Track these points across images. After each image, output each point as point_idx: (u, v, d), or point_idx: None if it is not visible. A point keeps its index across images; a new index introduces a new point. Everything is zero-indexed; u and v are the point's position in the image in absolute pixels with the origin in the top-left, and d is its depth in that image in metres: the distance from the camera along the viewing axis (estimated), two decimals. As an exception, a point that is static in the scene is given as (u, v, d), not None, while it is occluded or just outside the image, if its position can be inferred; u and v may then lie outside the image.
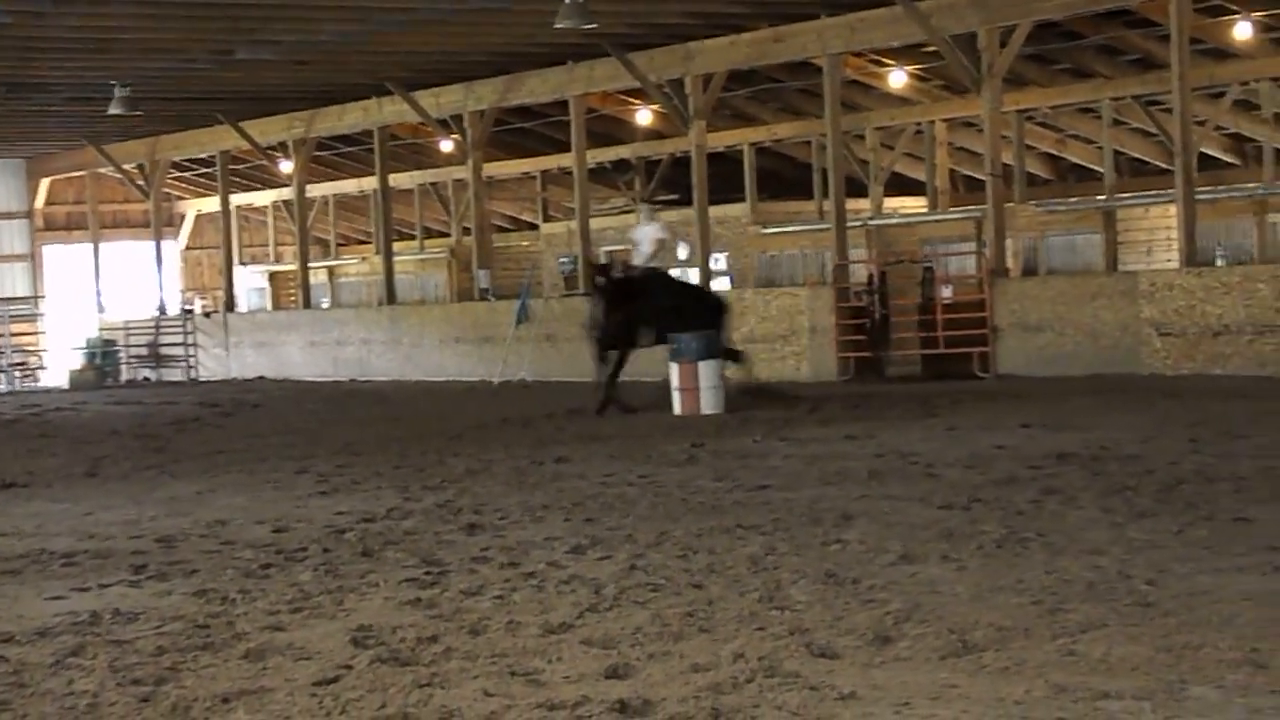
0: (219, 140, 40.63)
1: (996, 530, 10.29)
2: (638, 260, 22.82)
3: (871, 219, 35.04)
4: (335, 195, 46.77)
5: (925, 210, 36.93)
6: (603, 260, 30.78)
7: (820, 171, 35.10)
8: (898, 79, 33.96)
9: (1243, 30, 28.99)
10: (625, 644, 7.43)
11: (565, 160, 36.91)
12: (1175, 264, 25.92)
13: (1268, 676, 6.41)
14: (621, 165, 41.33)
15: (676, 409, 21.19)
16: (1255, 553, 9.11)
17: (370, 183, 40.62)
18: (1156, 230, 32.23)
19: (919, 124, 36.44)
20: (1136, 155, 35.35)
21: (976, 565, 9.14)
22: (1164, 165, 31.86)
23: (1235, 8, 28.62)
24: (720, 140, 36.16)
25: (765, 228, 36.76)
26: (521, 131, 39.96)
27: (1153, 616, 7.60)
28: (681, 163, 34.81)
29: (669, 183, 39.54)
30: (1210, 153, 33.47)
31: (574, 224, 34.27)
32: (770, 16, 28.83)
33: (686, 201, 33.44)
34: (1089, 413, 18.52)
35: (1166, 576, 8.53)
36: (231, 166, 43.09)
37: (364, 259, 45.96)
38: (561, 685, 6.72)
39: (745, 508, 11.82)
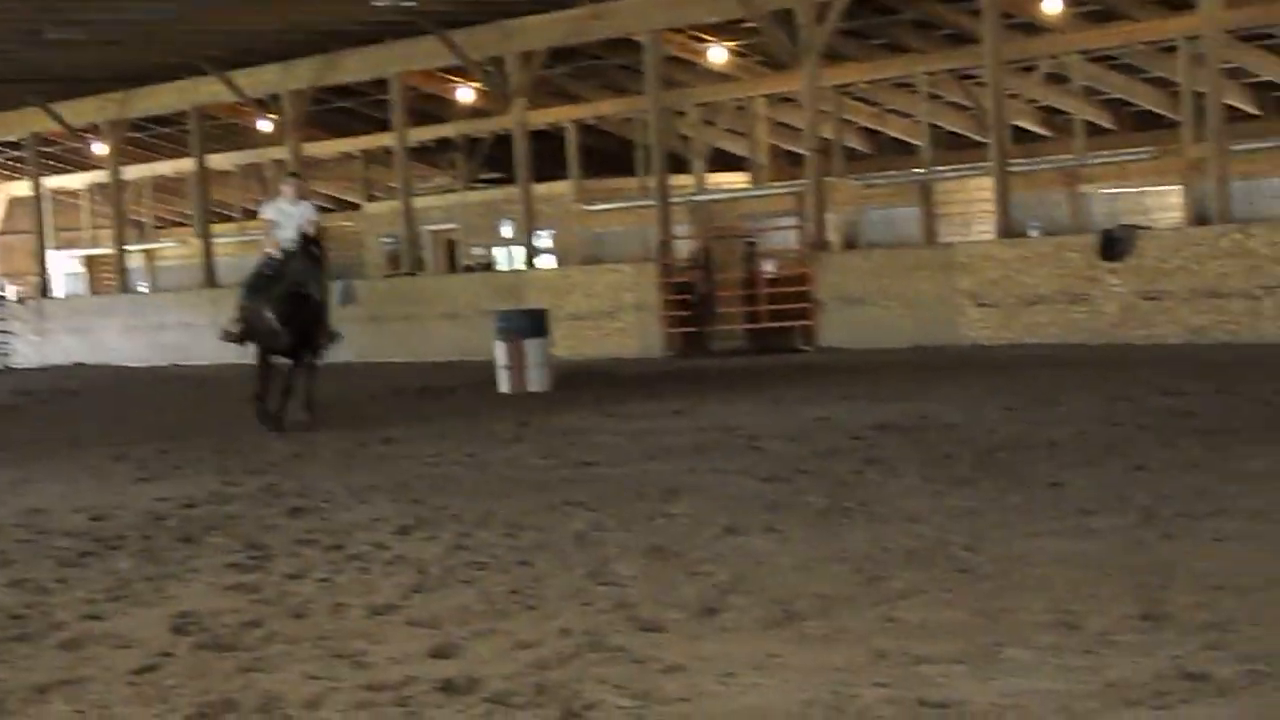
0: (29, 122, 39.74)
1: (820, 501, 10.41)
2: (285, 240, 17.15)
3: (694, 195, 35.24)
4: (152, 177, 45.95)
5: (747, 186, 37.23)
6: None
7: (643, 148, 35.21)
8: (718, 55, 34.17)
9: (1052, 5, 29.56)
10: (451, 623, 7.41)
11: (387, 139, 36.64)
12: (991, 235, 26.39)
13: (1079, 637, 6.56)
14: (444, 144, 41.10)
15: (503, 387, 21.16)
16: (1068, 517, 9.31)
17: (188, 164, 39.99)
18: (973, 203, 32.78)
19: (740, 100, 36.70)
20: (952, 129, 35.89)
21: (800, 536, 9.24)
22: (979, 138, 32.40)
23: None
24: (543, 118, 36.11)
25: (589, 205, 36.80)
26: (342, 111, 39.59)
27: (970, 582, 7.74)
28: (504, 141, 34.71)
29: (492, 161, 39.42)
30: (1023, 125, 34.09)
31: (397, 204, 34.04)
32: (592, -7, 28.84)
33: (510, 179, 33.38)
34: (909, 383, 18.80)
35: (983, 542, 8.68)
36: (44, 149, 42.19)
37: (183, 242, 45.27)
38: (386, 666, 6.68)
39: (572, 484, 11.83)
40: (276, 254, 17.14)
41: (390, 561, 9.12)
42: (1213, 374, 17.42)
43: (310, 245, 16.79)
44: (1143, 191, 32.17)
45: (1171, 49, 30.48)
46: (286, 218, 17.27)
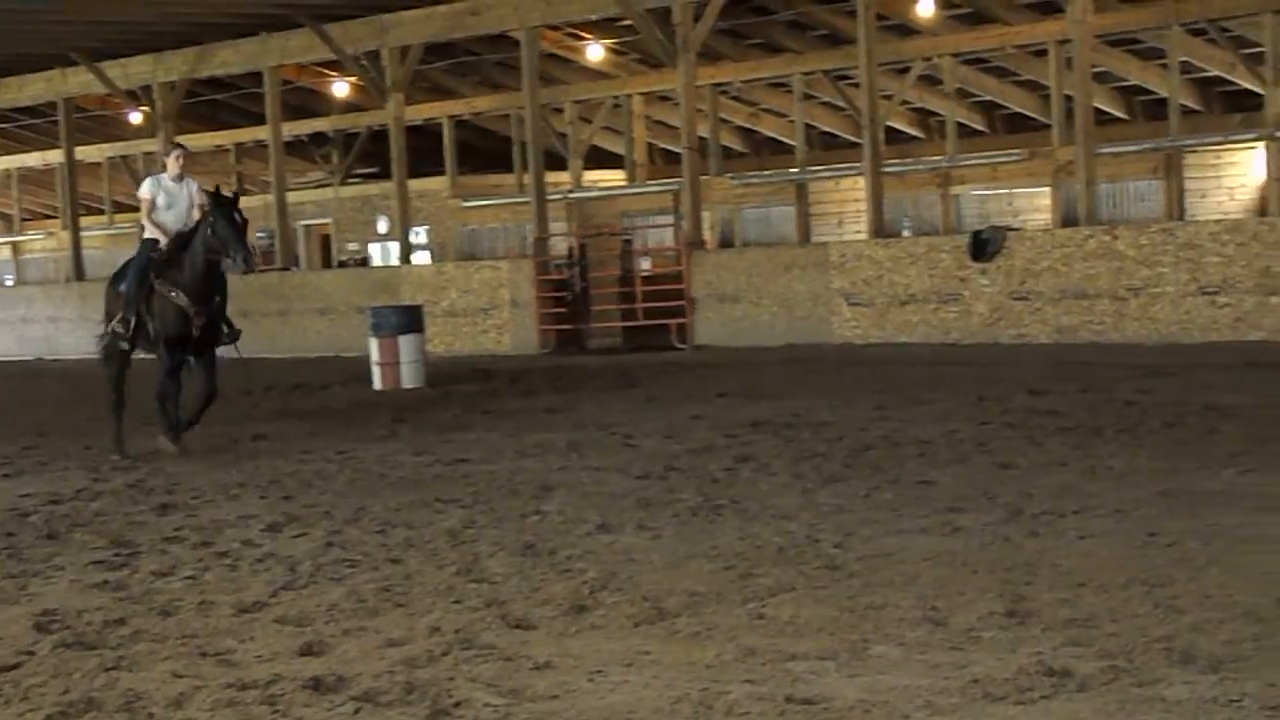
0: (-108, 112, 38.97)
1: (692, 498, 10.45)
2: (168, 224, 14.66)
3: (571, 192, 35.23)
4: (19, 169, 45.20)
5: (624, 183, 37.28)
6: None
7: (520, 145, 35.15)
8: (595, 53, 34.19)
9: (925, 7, 29.86)
10: (320, 621, 7.36)
11: (260, 133, 36.30)
12: (864, 235, 26.61)
13: (946, 633, 6.64)
14: (319, 138, 40.79)
15: (376, 384, 21.04)
16: (936, 514, 9.42)
17: (56, 156, 39.37)
18: (847, 202, 33.08)
19: (617, 97, 36.74)
20: (827, 129, 36.17)
21: (672, 533, 9.27)
22: (853, 139, 32.66)
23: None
24: (419, 113, 35.95)
25: (465, 201, 36.69)
26: (215, 104, 39.15)
27: (839, 578, 7.81)
28: (380, 136, 34.53)
29: (368, 156, 39.18)
30: (897, 126, 34.42)
31: (270, 198, 33.73)
32: (468, -11, 28.76)
33: (385, 175, 33.18)
34: (782, 381, 18.92)
35: (853, 539, 8.76)
36: (-92, 139, 41.39)
37: (50, 234, 44.56)
38: (254, 665, 6.63)
39: (445, 482, 11.80)
40: (160, 239, 14.47)
41: (259, 559, 9.04)
42: (1079, 374, 17.68)
43: (233, 208, 14.10)
44: (1013, 193, 32.60)
45: (1042, 52, 30.92)
46: (171, 198, 14.62)
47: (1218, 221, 24.72)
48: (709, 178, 32.01)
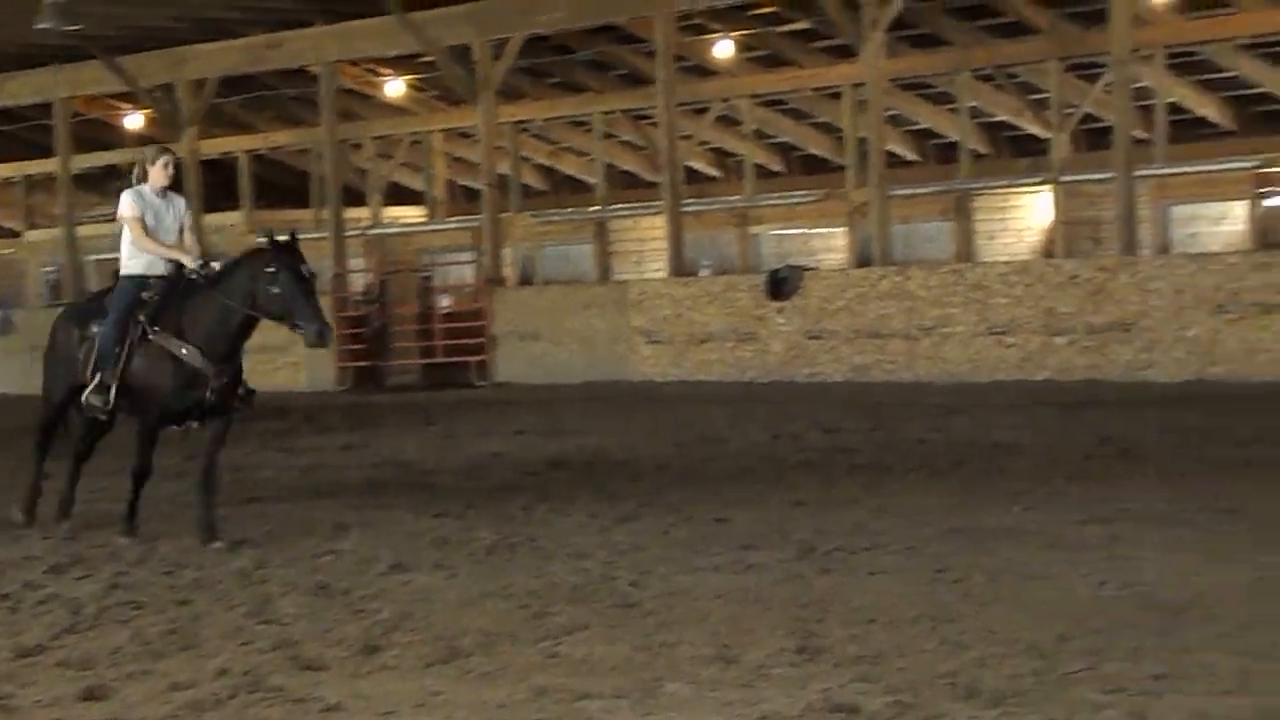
0: None
1: (489, 537, 10.41)
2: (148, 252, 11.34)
3: (370, 228, 34.99)
4: None
5: (423, 220, 37.13)
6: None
7: (318, 180, 34.85)
8: (394, 88, 34.05)
9: (724, 49, 30.24)
10: (103, 665, 7.19)
11: (50, 165, 35.53)
12: (663, 274, 26.79)
13: (737, 670, 6.69)
14: (111, 171, 40.03)
15: (168, 422, 20.60)
16: (731, 552, 9.49)
17: None
18: (646, 241, 33.26)
19: (417, 134, 36.61)
20: (627, 168, 36.39)
21: (467, 572, 9.22)
22: (652, 178, 32.89)
23: (717, 27, 29.81)
24: (215, 147, 35.46)
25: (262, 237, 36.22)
26: (3, 135, 38.25)
27: (634, 617, 7.83)
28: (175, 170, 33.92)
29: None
30: (696, 166, 34.74)
31: (60, 232, 33.02)
32: (265, 23, 28.48)
33: (179, 209, 32.66)
34: (581, 419, 18.95)
35: (649, 577, 8.79)
36: None
37: None
38: (34, 710, 6.46)
39: (236, 521, 11.60)
40: (159, 269, 11.15)
41: (42, 601, 8.81)
42: (872, 412, 17.96)
43: (300, 261, 10.78)
44: (809, 233, 33.08)
45: (837, 95, 31.43)
46: (157, 216, 11.27)
47: (1005, 263, 25.31)
48: (509, 215, 32.02)
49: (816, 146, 34.73)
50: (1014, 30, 29.16)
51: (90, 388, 11.12)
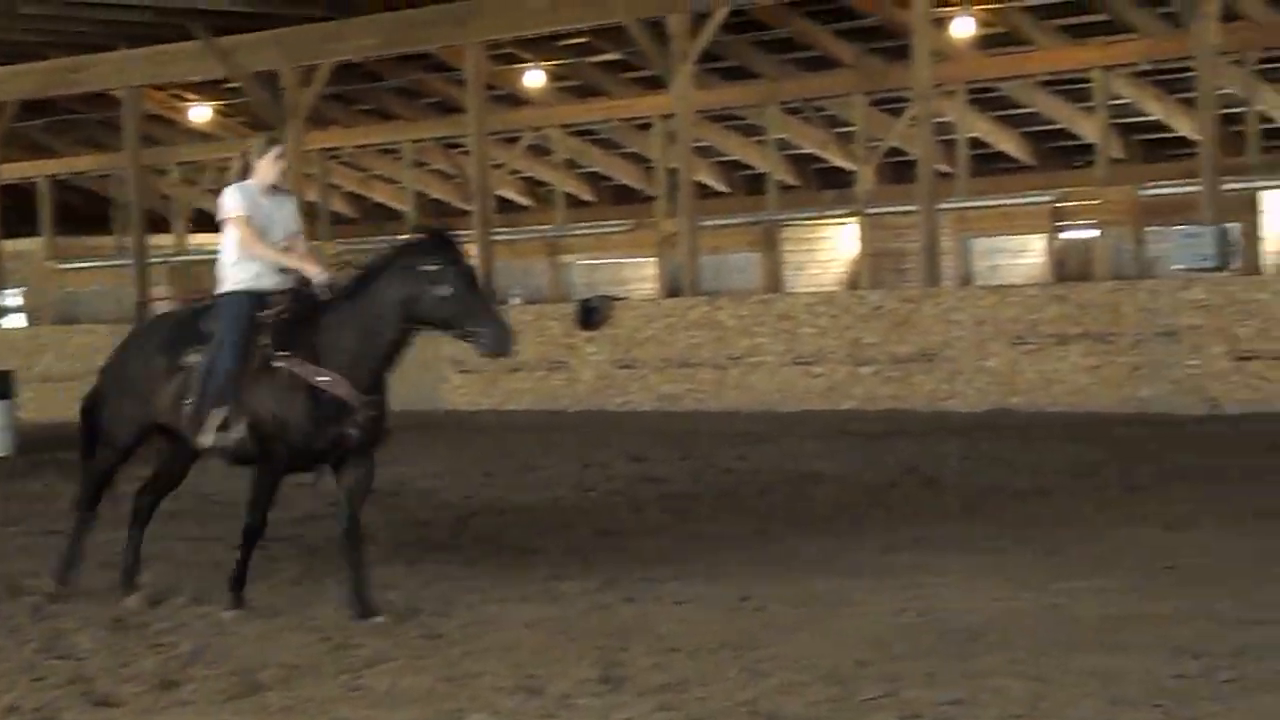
0: None
1: (292, 568, 10.28)
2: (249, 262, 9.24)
3: (175, 255, 34.45)
4: None
5: (230, 247, 36.60)
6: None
7: (121, 206, 34.26)
8: (200, 114, 33.60)
9: (534, 78, 30.30)
10: (-112, 704, 6.98)
11: None
12: (474, 303, 26.68)
13: (541, 701, 6.68)
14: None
15: (-37, 452, 20.07)
16: (537, 582, 9.48)
17: None
18: (457, 270, 33.08)
19: (223, 160, 36.13)
20: (437, 196, 36.28)
21: (269, 604, 9.09)
22: (463, 206, 32.83)
23: (528, 56, 29.87)
24: (14, 172, 34.67)
25: (63, 263, 35.51)
26: None
27: (439, 648, 7.78)
28: (-28, 194, 33.20)
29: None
30: (506, 195, 34.75)
31: None
32: (68, 46, 27.96)
33: (-23, 234, 31.88)
34: (389, 449, 18.73)
35: (454, 608, 8.74)
36: None
37: None
38: None
39: (31, 554, 11.32)
40: (268, 281, 9.03)
41: None
42: (681, 441, 18.06)
43: (464, 256, 8.92)
44: (620, 263, 33.24)
45: (647, 126, 31.65)
46: (266, 219, 9.10)
47: (812, 294, 25.64)
48: (317, 243, 31.72)
49: (626, 177, 34.94)
50: (821, 64, 29.61)
51: (204, 428, 8.97)
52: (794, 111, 30.89)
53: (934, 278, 22.64)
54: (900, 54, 26.19)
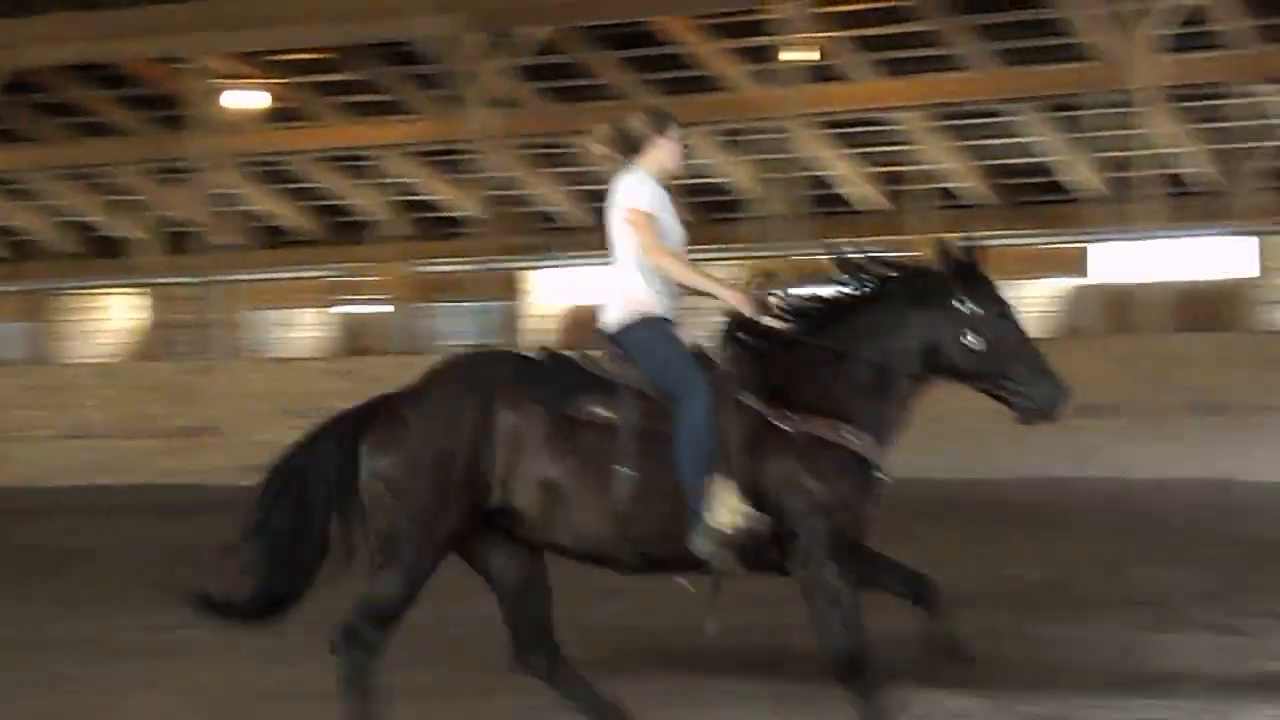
0: None
1: None
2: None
3: None
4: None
5: None
6: None
7: None
8: None
9: None
10: None
11: None
12: None
13: None
14: None
15: None
16: None
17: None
18: None
19: None
20: None
21: None
22: None
23: None
24: None
25: None
26: None
27: None
28: None
29: None
30: None
31: None
32: None
33: None
34: None
35: None
36: None
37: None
38: None
39: None
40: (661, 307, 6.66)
41: None
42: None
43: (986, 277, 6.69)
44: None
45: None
46: (666, 216, 6.67)
47: (91, 365, 24.88)
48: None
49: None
50: (101, 130, 28.92)
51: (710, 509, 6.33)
52: (73, 176, 29.99)
53: (217, 349, 22.47)
54: (181, 123, 25.87)
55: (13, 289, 29.82)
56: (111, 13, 23.54)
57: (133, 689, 8.16)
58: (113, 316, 31.01)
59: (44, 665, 8.82)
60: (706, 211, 28.35)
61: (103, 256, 31.65)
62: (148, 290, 29.66)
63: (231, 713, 7.56)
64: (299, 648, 7.74)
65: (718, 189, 28.18)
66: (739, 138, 27.07)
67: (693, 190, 28.01)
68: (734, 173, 27.73)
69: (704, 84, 25.86)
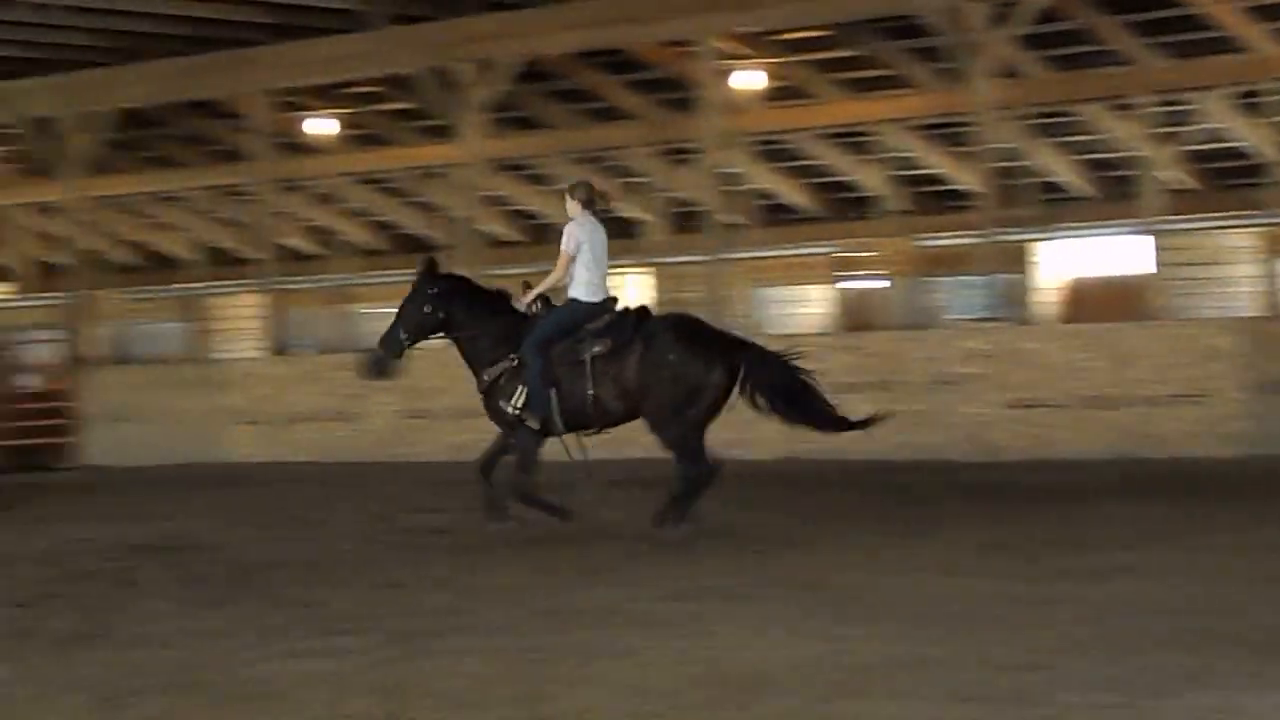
0: None
1: (65, 626, 10.00)
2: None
3: (-49, 302, 33.54)
4: None
5: (7, 296, 35.80)
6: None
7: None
8: (-22, 160, 32.82)
9: (322, 127, 30.06)
10: None
11: None
12: (260, 352, 26.36)
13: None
14: None
15: None
16: (318, 637, 9.32)
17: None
18: (242, 319, 32.74)
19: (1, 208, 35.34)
20: (223, 244, 35.78)
21: (39, 664, 8.84)
22: (249, 255, 32.43)
23: (318, 104, 29.65)
24: None
25: None
26: None
27: (214, 705, 7.62)
28: None
29: None
30: (294, 244, 34.38)
31: None
32: None
33: None
34: (170, 502, 18.44)
35: (233, 665, 8.57)
36: None
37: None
38: None
39: None
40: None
41: None
42: (467, 491, 17.92)
43: None
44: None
45: (435, 175, 31.57)
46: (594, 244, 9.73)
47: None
48: (98, 292, 31.07)
49: (415, 225, 34.78)
50: (611, 114, 29.80)
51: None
52: (584, 160, 31.02)
53: (727, 326, 22.79)
54: (687, 106, 26.45)
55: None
56: (618, -1, 24.27)
57: (661, 659, 8.36)
58: (623, 294, 31.93)
59: (582, 631, 9.14)
60: (1221, 178, 27.24)
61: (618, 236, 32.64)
62: (652, 269, 30.42)
63: (757, 683, 7.67)
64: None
65: (1235, 153, 27.04)
66: (1257, 99, 25.90)
67: (1207, 156, 26.95)
68: (1251, 137, 26.56)
69: (1218, 45, 24.83)
